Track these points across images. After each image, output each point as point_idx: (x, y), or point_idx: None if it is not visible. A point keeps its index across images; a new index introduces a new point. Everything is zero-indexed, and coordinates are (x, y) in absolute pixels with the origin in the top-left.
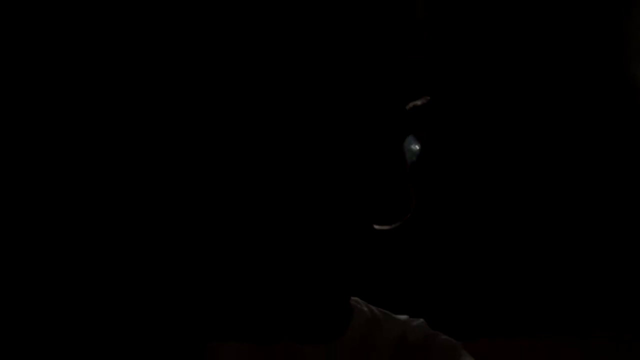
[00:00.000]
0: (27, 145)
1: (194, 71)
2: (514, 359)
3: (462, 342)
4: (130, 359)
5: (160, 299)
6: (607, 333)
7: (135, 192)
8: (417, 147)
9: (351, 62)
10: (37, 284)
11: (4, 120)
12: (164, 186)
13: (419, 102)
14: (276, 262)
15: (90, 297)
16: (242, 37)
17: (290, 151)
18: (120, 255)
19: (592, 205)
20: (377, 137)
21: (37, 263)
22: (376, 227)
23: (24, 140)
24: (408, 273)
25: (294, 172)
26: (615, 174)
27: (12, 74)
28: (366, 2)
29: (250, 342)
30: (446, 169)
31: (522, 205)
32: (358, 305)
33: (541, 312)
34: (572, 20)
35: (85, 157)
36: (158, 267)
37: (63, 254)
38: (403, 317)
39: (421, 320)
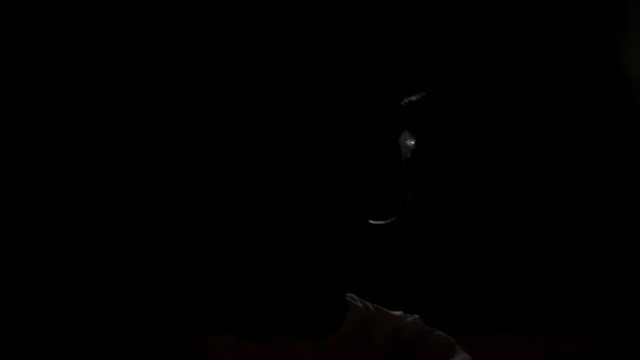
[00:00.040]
0: (26, 145)
1: (193, 71)
2: (509, 355)
3: (456, 338)
4: (125, 350)
5: (156, 292)
6: (607, 330)
7: (133, 189)
8: (413, 142)
9: (347, 59)
10: (32, 280)
11: (4, 120)
12: (159, 181)
13: (414, 98)
14: (272, 257)
15: (84, 288)
16: (241, 36)
17: (286, 146)
18: (117, 250)
19: (588, 198)
20: (372, 133)
21: (32, 259)
22: (372, 222)
23: (23, 140)
24: (402, 269)
25: (290, 168)
26: (610, 164)
27: (12, 74)
28: (364, 1)
29: (246, 336)
30: (441, 164)
31: (517, 200)
32: (353, 301)
33: (536, 308)
34: (566, 18)
35: (85, 156)
36: (154, 261)
37: (57, 246)
38: (398, 313)
39: (416, 316)
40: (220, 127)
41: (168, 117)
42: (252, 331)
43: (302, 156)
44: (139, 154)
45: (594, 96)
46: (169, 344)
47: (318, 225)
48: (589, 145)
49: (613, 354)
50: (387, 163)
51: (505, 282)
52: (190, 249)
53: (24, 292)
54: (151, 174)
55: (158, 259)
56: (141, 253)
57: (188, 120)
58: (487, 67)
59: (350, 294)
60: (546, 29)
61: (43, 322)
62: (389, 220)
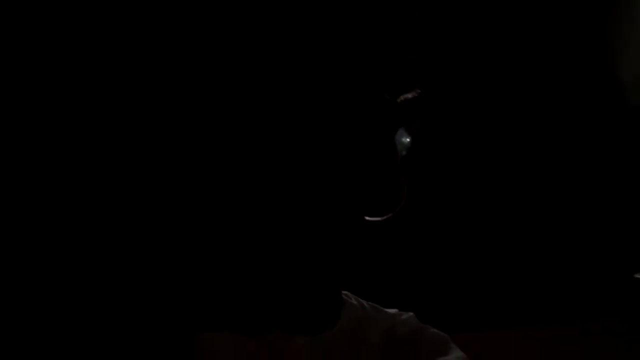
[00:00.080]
0: (26, 145)
1: (191, 71)
2: (507, 354)
3: (451, 335)
4: (121, 346)
5: (152, 289)
6: (608, 327)
7: (129, 185)
8: (408, 140)
9: (342, 57)
10: (29, 278)
11: (4, 120)
12: (155, 176)
13: (410, 96)
14: (268, 253)
15: (79, 282)
16: (240, 35)
17: (282, 143)
18: (114, 246)
19: (586, 194)
20: (368, 130)
21: (30, 258)
22: (367, 218)
23: (23, 140)
24: (397, 266)
25: (286, 165)
26: (606, 160)
27: (12, 74)
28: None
29: (242, 333)
30: (437, 161)
31: (513, 197)
32: (348, 299)
33: (533, 306)
34: (560, 18)
35: (85, 156)
36: (150, 257)
37: (55, 241)
38: (392, 310)
39: (410, 313)
40: (215, 123)
41: (167, 116)
42: (248, 327)
43: (298, 153)
44: (138, 153)
45: (587, 95)
46: (165, 340)
47: (314, 220)
48: (584, 142)
49: (614, 351)
50: (383, 160)
51: (502, 279)
52: (185, 246)
53: (21, 288)
54: (148, 170)
55: (154, 255)
56: (138, 249)
57: (186, 117)
58: (481, 65)
59: (345, 292)
60: (541, 27)
61: (39, 314)
62: (384, 217)
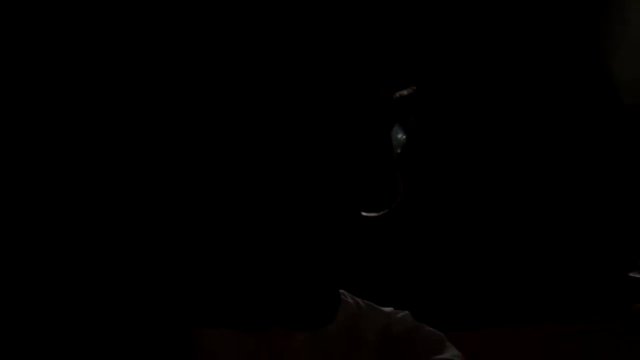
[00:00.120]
0: (26, 145)
1: (191, 70)
2: (506, 352)
3: (447, 334)
4: (120, 343)
5: (150, 286)
6: (608, 326)
7: (129, 185)
8: (404, 136)
9: (338, 54)
10: (29, 278)
11: (4, 120)
12: (155, 175)
13: (405, 92)
14: (265, 249)
15: (78, 280)
16: (240, 34)
17: (278, 140)
18: (113, 244)
19: (584, 193)
20: (364, 126)
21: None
22: (364, 214)
23: (23, 140)
24: (393, 264)
25: (282, 162)
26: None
27: (12, 75)
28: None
29: (241, 329)
30: (433, 158)
31: (511, 194)
32: (343, 297)
33: (527, 303)
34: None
35: (85, 156)
36: (149, 255)
37: (54, 240)
38: (388, 309)
39: (406, 312)
40: (211, 119)
41: (167, 116)
42: (247, 323)
43: (295, 149)
44: (138, 153)
45: (581, 95)
46: (164, 336)
47: (311, 216)
48: (581, 142)
49: (614, 349)
50: (379, 156)
51: (499, 278)
52: (184, 242)
53: (21, 287)
54: (147, 169)
55: (153, 252)
56: (137, 247)
57: (186, 117)
58: (477, 65)
59: (341, 290)
60: (535, 27)
61: (37, 310)
62: (380, 213)
